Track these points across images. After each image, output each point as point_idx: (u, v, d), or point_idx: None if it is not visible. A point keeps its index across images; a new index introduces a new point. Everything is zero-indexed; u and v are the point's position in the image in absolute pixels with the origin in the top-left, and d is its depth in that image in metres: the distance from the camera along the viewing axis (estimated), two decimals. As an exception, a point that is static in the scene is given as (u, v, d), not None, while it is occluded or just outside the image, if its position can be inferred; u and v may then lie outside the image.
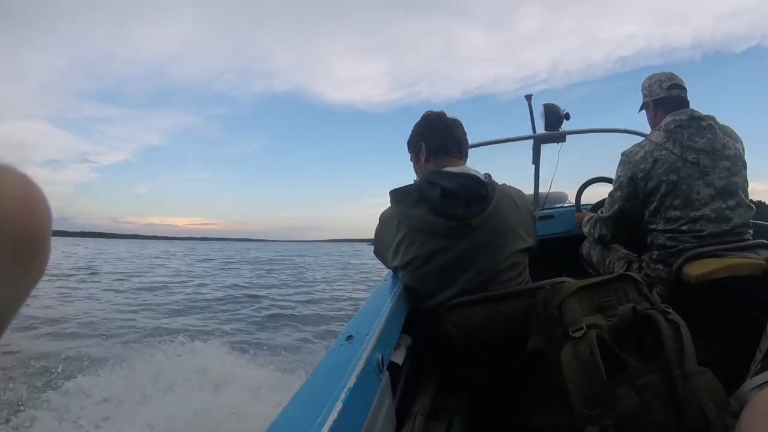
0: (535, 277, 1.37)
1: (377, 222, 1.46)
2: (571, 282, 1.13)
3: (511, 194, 1.38)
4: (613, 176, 1.82)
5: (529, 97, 2.80)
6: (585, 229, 2.00)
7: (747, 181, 1.62)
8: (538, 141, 2.70)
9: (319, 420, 0.58)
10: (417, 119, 1.48)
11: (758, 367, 1.31)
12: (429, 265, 1.29)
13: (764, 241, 1.56)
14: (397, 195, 1.36)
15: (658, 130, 1.67)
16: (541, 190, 2.90)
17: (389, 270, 1.45)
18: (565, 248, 2.31)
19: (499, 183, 1.38)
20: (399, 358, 1.11)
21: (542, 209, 2.88)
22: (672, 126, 1.63)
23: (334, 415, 0.60)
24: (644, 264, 1.70)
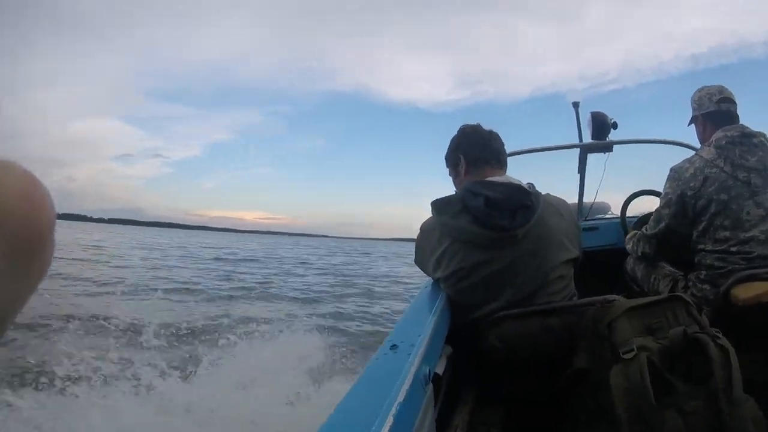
0: (579, 291, 1.35)
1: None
2: (621, 300, 1.12)
3: (555, 204, 1.37)
4: (660, 189, 1.78)
5: (576, 105, 2.75)
6: (628, 246, 1.96)
7: None
8: (585, 150, 2.66)
9: None
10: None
11: None
12: (472, 277, 1.28)
13: None
14: (438, 205, 1.35)
15: (709, 146, 1.63)
16: (585, 200, 2.85)
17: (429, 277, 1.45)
18: (611, 262, 2.26)
19: (543, 192, 1.37)
20: (441, 368, 1.10)
21: (586, 220, 2.82)
22: (723, 142, 1.59)
23: (385, 430, 0.59)
24: (690, 284, 1.66)
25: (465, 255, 1.28)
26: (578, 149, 2.70)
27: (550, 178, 2.94)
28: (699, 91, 1.77)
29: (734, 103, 1.70)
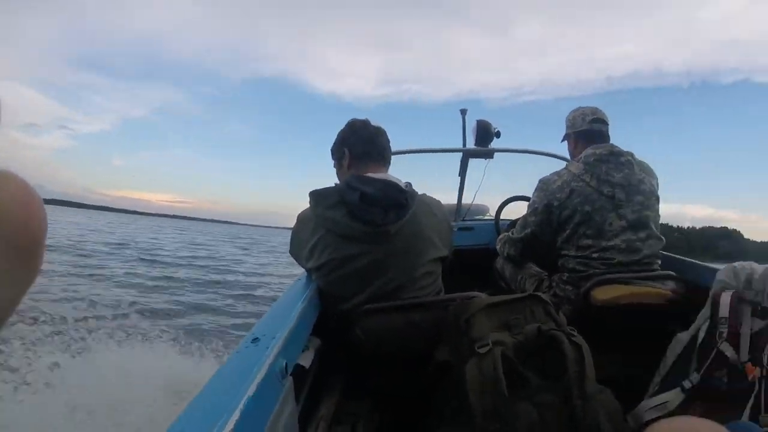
0: (450, 287, 1.39)
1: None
2: (482, 297, 1.16)
3: (429, 203, 1.41)
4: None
5: (464, 111, 2.84)
6: (498, 247, 2.04)
7: (659, 215, 1.71)
8: (467, 155, 2.76)
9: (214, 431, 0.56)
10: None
11: (656, 388, 1.41)
12: (343, 269, 1.29)
13: (672, 272, 1.64)
14: (316, 196, 1.35)
15: (578, 161, 1.73)
16: (464, 202, 2.95)
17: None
18: (483, 261, 2.36)
19: (420, 192, 1.40)
20: (306, 360, 1.09)
21: (463, 220, 2.94)
22: (591, 159, 1.69)
23: (230, 425, 0.57)
24: (554, 284, 1.75)
25: (337, 246, 1.29)
26: (461, 153, 2.79)
27: (434, 178, 3.12)
28: (574, 111, 1.88)
29: (606, 123, 1.82)
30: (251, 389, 0.66)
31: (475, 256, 2.46)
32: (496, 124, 2.61)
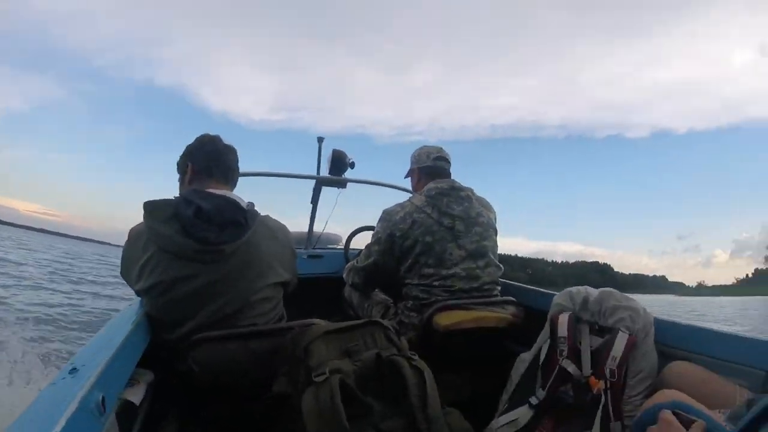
0: (300, 316, 1.34)
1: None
2: (320, 324, 1.13)
3: (271, 226, 1.36)
4: None
5: (320, 140, 2.86)
6: (344, 275, 2.06)
7: (497, 245, 1.82)
8: (320, 183, 2.77)
9: None
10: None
11: (505, 406, 1.47)
12: (172, 292, 1.18)
13: (511, 298, 1.75)
14: (149, 208, 1.23)
15: (420, 194, 1.79)
16: (316, 230, 2.96)
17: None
18: (333, 289, 2.36)
19: (264, 214, 1.36)
20: (136, 396, 1.00)
21: (314, 248, 2.94)
22: (433, 192, 1.76)
23: None
24: (399, 311, 1.78)
25: (167, 266, 1.19)
26: (314, 181, 2.81)
27: (288, 205, 3.08)
28: (419, 149, 1.97)
29: (449, 162, 1.92)
30: (59, 426, 0.59)
31: (325, 284, 2.46)
32: (354, 156, 2.64)
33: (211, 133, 1.44)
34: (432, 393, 0.95)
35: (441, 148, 1.95)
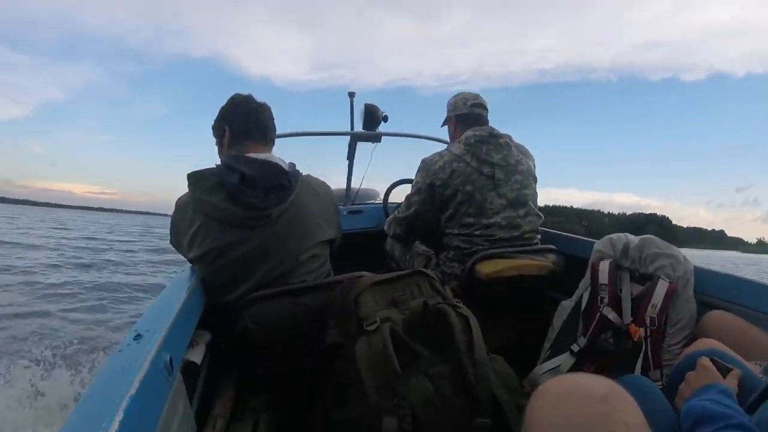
0: (343, 271, 1.38)
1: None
2: (367, 276, 1.16)
3: (313, 185, 1.38)
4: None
5: (352, 95, 2.85)
6: (385, 228, 2.08)
7: (536, 193, 1.81)
8: (355, 138, 2.77)
9: None
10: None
11: (547, 354, 1.50)
12: (225, 257, 1.23)
13: (552, 246, 1.76)
14: (193, 179, 1.26)
15: (459, 143, 1.78)
16: (353, 186, 2.98)
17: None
18: (374, 243, 2.39)
19: (305, 173, 1.37)
20: (197, 356, 1.04)
21: (353, 204, 2.95)
22: (472, 140, 1.75)
23: (114, 426, 0.53)
24: (441, 262, 1.80)
25: (218, 234, 1.22)
26: (349, 137, 2.80)
27: (324, 162, 3.11)
28: (455, 96, 1.94)
29: (486, 108, 1.89)
30: (133, 388, 0.63)
31: (366, 239, 2.48)
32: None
33: (243, 93, 1.43)
34: (477, 339, 0.97)
35: (478, 95, 1.91)
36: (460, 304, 1.07)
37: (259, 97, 1.42)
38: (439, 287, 1.16)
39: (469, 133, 1.79)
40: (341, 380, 1.08)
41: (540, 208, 1.82)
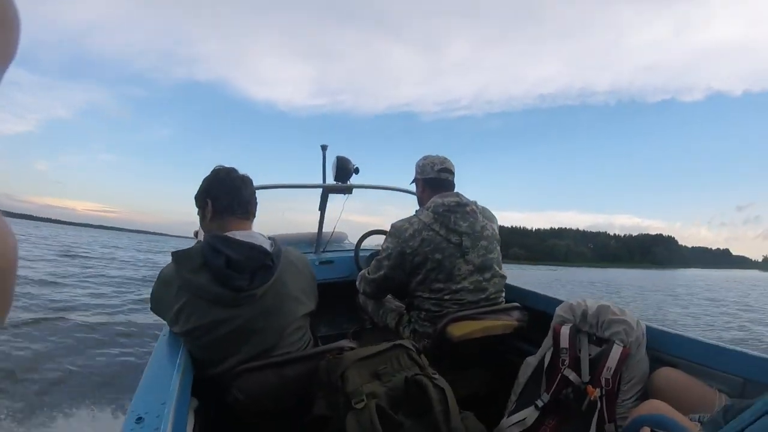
0: (318, 322, 1.46)
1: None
2: (350, 351, 1.25)
3: (294, 261, 1.45)
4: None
5: (324, 147, 2.92)
6: (357, 283, 2.15)
7: (500, 255, 1.93)
8: (327, 190, 2.85)
9: None
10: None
11: (514, 406, 1.64)
12: (211, 334, 1.27)
13: (516, 304, 1.88)
14: (178, 258, 1.32)
15: (428, 210, 1.87)
16: (325, 231, 3.05)
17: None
18: (345, 293, 2.46)
19: (284, 247, 1.44)
20: (189, 426, 1.07)
21: (324, 251, 3.06)
22: (440, 209, 1.84)
23: None
24: (413, 319, 1.89)
25: (205, 311, 1.27)
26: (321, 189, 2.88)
27: (299, 206, 3.16)
28: (423, 159, 2.04)
29: (452, 173, 2.00)
30: None
31: (338, 289, 2.56)
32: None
33: (226, 165, 1.49)
34: (453, 408, 1.09)
35: (446, 159, 2.02)
36: (436, 375, 1.18)
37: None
38: (416, 357, 1.26)
39: (437, 200, 1.88)
40: None
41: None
